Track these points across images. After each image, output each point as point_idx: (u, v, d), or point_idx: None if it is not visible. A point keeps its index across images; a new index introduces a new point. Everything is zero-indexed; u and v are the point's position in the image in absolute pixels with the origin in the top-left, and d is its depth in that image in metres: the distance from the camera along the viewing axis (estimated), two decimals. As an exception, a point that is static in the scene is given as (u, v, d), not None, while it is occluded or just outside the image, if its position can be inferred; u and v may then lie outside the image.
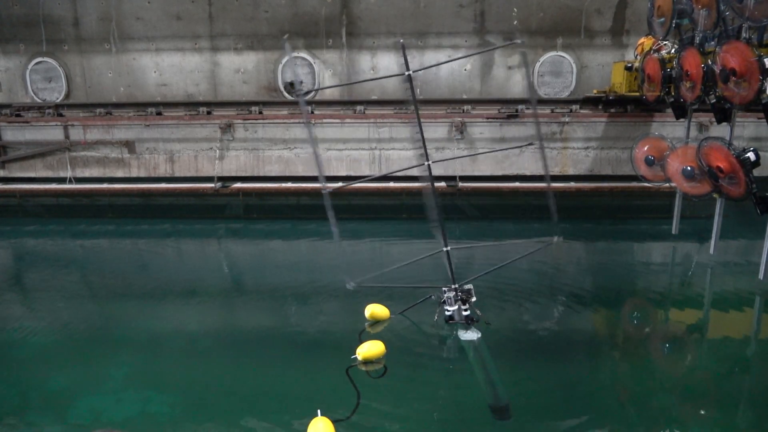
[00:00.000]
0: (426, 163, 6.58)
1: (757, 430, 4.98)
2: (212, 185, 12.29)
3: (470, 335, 6.32)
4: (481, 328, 6.47)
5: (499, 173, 12.27)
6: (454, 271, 6.72)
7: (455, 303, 6.55)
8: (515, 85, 13.12)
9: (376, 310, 6.83)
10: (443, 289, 6.75)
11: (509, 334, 6.54)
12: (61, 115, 12.91)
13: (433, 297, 7.03)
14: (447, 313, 6.58)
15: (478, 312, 6.65)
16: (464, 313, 6.49)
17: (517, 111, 12.08)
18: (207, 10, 13.04)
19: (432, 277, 7.35)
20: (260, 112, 12.64)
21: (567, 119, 12.01)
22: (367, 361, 5.79)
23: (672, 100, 9.35)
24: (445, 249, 6.64)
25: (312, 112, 12.48)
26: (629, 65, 11.35)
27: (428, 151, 6.72)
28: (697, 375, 6.05)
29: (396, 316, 6.87)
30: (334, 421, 4.68)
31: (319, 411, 4.74)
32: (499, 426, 4.87)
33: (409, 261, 7.21)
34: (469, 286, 6.78)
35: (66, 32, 13.31)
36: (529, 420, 4.92)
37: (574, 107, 12.24)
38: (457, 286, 6.68)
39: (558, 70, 13.04)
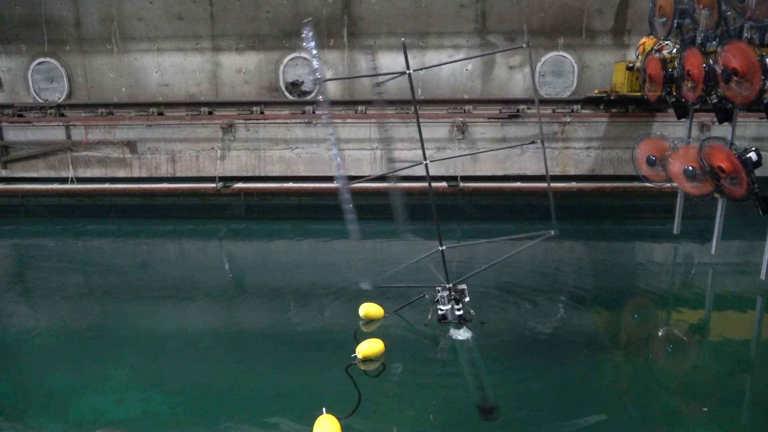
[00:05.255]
0: (424, 162, 6.59)
1: (758, 430, 4.97)
2: (214, 185, 12.31)
3: (463, 335, 6.33)
4: (476, 327, 6.47)
5: (501, 173, 12.27)
6: (448, 270, 6.73)
7: (448, 302, 6.55)
8: (516, 85, 13.12)
9: (370, 309, 6.85)
10: (437, 288, 6.76)
11: (504, 334, 6.54)
12: (62, 115, 12.93)
13: (426, 296, 7.04)
14: (440, 312, 6.59)
15: (471, 312, 6.65)
16: (457, 313, 6.49)
17: (518, 111, 12.07)
18: (208, 10, 13.05)
19: (430, 276, 7.33)
20: (261, 112, 12.66)
21: (568, 119, 12.00)
22: (366, 360, 5.80)
23: (673, 100, 9.33)
24: (440, 248, 6.64)
25: (313, 112, 12.49)
26: (630, 65, 11.34)
27: (429, 151, 6.72)
28: (698, 375, 6.04)
29: (390, 315, 6.88)
30: (339, 419, 4.69)
31: (324, 409, 4.76)
32: (489, 425, 4.87)
33: (420, 257, 7.16)
34: (463, 285, 6.78)
35: (68, 32, 13.32)
36: (518, 420, 4.92)
37: (575, 107, 12.24)
38: (450, 285, 6.69)
39: (559, 70, 13.03)
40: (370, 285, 7.01)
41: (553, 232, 6.93)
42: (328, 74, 13.27)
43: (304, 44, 5.96)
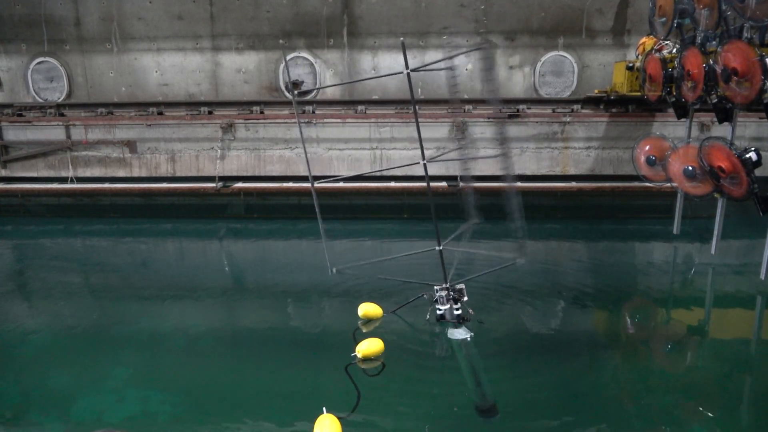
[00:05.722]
0: (422, 162, 6.61)
1: (758, 431, 4.97)
2: (213, 185, 12.31)
3: (461, 334, 6.33)
4: (474, 327, 6.47)
5: (500, 173, 12.23)
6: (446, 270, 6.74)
7: (447, 302, 6.56)
8: (516, 84, 13.12)
9: (368, 309, 6.85)
10: (435, 288, 6.77)
11: (503, 334, 6.53)
12: (62, 114, 12.93)
13: (425, 296, 7.05)
14: (438, 312, 6.60)
15: (470, 311, 6.66)
16: (456, 312, 6.50)
17: (518, 111, 12.08)
18: (208, 10, 13.05)
19: (427, 276, 7.34)
20: (261, 112, 12.65)
21: (568, 119, 12.00)
22: (366, 359, 5.81)
23: (673, 99, 9.34)
24: (438, 248, 6.65)
25: (313, 112, 12.50)
26: (631, 65, 11.35)
27: (429, 151, 6.73)
28: (698, 375, 6.04)
29: (388, 315, 6.88)
30: (339, 418, 4.70)
31: (324, 408, 4.76)
32: (486, 424, 4.88)
33: (395, 256, 7.19)
34: (461, 285, 6.78)
35: (67, 32, 13.32)
36: (516, 419, 4.92)
37: (575, 107, 12.24)
38: (448, 285, 6.69)
39: (559, 69, 13.03)
40: (335, 270, 7.00)
41: (521, 261, 6.79)
42: (328, 74, 13.28)
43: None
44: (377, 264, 7.80)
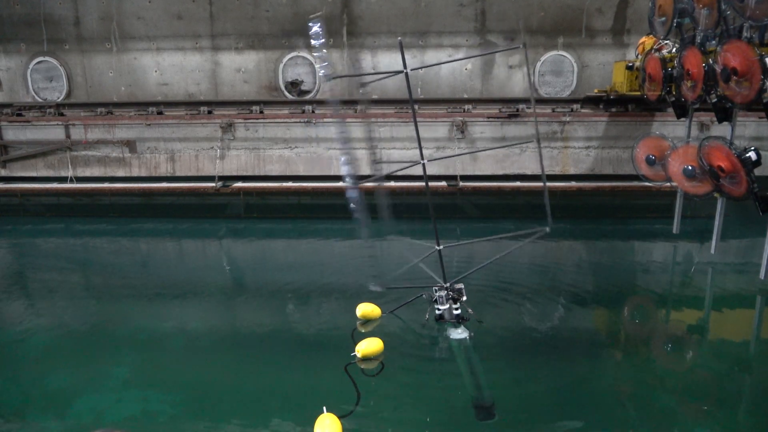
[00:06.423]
0: (422, 162, 6.61)
1: (758, 430, 4.97)
2: (213, 184, 12.30)
3: (460, 334, 6.34)
4: (473, 326, 6.48)
5: (500, 173, 12.26)
6: (445, 270, 6.73)
7: (446, 302, 6.56)
8: (516, 84, 13.12)
9: (367, 309, 6.84)
10: (434, 288, 6.77)
11: (502, 333, 6.54)
12: (62, 114, 12.92)
13: (423, 296, 7.05)
14: (437, 312, 6.60)
15: (469, 311, 6.66)
16: (455, 312, 6.50)
17: (517, 110, 12.08)
18: (208, 9, 13.04)
19: (430, 276, 7.33)
20: (261, 112, 12.65)
21: (568, 118, 12.00)
22: (365, 359, 5.81)
23: (673, 99, 9.34)
24: (437, 248, 6.65)
25: (313, 112, 12.49)
26: (630, 64, 11.35)
27: (429, 150, 6.74)
28: (698, 375, 6.04)
29: (387, 315, 6.88)
30: (340, 417, 4.70)
31: (324, 408, 4.77)
32: (486, 424, 4.89)
33: (423, 257, 7.12)
34: (460, 285, 6.79)
35: (67, 32, 13.31)
36: (515, 419, 4.93)
37: (575, 106, 12.24)
38: (448, 285, 6.69)
39: (559, 69, 13.03)
40: (380, 287, 7.04)
41: (547, 229, 6.91)
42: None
43: (313, 41, 5.95)
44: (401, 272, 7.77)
